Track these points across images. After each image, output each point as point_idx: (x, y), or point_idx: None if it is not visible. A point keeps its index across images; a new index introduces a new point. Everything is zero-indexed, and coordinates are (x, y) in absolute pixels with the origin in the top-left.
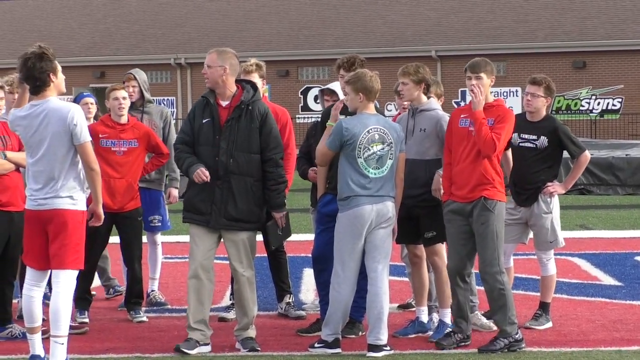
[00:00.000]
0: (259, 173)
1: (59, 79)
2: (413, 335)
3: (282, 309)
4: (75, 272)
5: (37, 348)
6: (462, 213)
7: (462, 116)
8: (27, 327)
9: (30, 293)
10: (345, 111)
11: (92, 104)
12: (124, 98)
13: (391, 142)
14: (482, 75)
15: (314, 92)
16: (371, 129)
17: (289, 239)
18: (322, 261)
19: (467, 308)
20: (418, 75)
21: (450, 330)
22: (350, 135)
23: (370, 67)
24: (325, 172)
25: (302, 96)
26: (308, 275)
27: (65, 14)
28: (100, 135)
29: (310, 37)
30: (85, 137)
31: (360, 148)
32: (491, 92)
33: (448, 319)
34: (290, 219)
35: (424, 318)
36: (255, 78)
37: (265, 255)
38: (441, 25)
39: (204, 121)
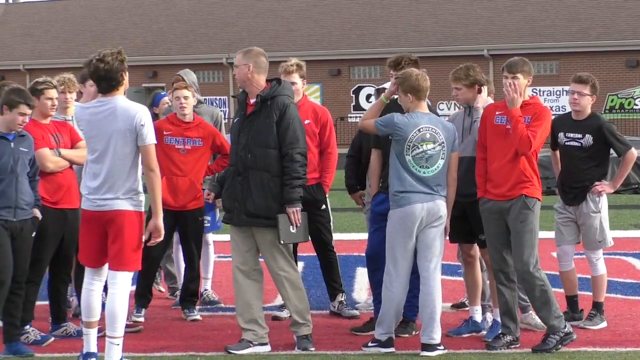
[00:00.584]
0: (276, 168)
1: (126, 81)
2: (467, 335)
3: (334, 307)
4: (132, 274)
5: (92, 345)
6: (500, 211)
7: (497, 113)
8: (84, 322)
9: (90, 287)
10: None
11: (168, 104)
12: (185, 97)
13: (443, 142)
14: (519, 75)
15: (366, 91)
16: (422, 128)
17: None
18: (376, 260)
19: (515, 308)
20: (469, 78)
21: (500, 332)
22: (400, 131)
23: (422, 66)
24: (378, 171)
25: (353, 95)
26: (361, 274)
27: (118, 14)
28: (164, 133)
29: (362, 36)
30: (151, 139)
31: (409, 146)
32: (541, 91)
33: (479, 316)
34: (330, 223)
35: (478, 317)
36: (296, 78)
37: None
38: (493, 23)
39: (236, 119)
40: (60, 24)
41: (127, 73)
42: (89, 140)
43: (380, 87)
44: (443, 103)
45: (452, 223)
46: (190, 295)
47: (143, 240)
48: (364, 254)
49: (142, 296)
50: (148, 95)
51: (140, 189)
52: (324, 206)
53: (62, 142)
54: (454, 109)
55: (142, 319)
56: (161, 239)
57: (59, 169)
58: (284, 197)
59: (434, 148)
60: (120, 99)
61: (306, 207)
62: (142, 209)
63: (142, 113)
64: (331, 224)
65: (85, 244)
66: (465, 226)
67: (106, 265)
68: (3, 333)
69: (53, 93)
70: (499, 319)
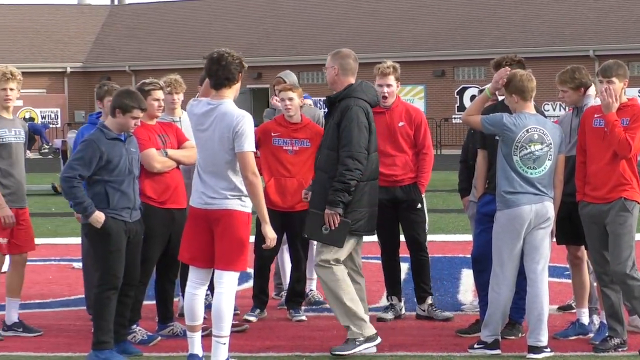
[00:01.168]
0: (333, 170)
1: (238, 85)
2: (573, 337)
3: (423, 310)
4: (237, 274)
5: (196, 347)
6: (599, 214)
7: (595, 116)
8: (187, 325)
9: (194, 291)
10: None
11: (310, 105)
12: (289, 99)
13: (550, 143)
14: (614, 79)
15: (470, 92)
16: (530, 129)
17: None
18: (482, 262)
19: (621, 311)
20: (575, 81)
21: (607, 335)
22: (508, 132)
23: (528, 67)
24: (484, 172)
25: (457, 96)
26: (467, 276)
27: (223, 16)
28: (272, 134)
29: (466, 36)
30: (247, 146)
31: (517, 146)
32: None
33: (587, 319)
34: (425, 223)
35: (585, 320)
36: (392, 80)
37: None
38: (599, 24)
39: None
40: (165, 26)
41: (241, 75)
42: (196, 139)
43: (483, 87)
44: (548, 104)
45: (558, 224)
46: (296, 295)
47: (253, 242)
48: (469, 256)
49: (256, 297)
50: (252, 97)
51: (244, 188)
52: (419, 205)
53: (168, 143)
54: (560, 110)
55: (253, 319)
56: (274, 244)
57: (166, 169)
58: (327, 198)
59: (541, 149)
60: (227, 104)
61: (401, 206)
62: (249, 210)
63: (240, 119)
64: (426, 224)
65: (190, 242)
66: (571, 227)
67: (210, 269)
68: (114, 332)
69: (159, 94)
70: (606, 322)
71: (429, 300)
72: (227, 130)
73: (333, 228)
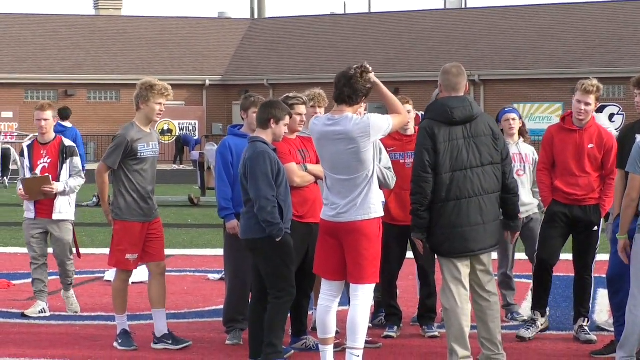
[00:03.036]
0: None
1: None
2: None
3: (575, 331)
4: (372, 286)
5: None
6: None
7: None
8: (320, 338)
9: (326, 303)
10: None
11: (513, 119)
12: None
13: None
14: None
15: (609, 110)
16: None
17: None
18: (617, 282)
19: None
20: None
21: None
22: None
23: None
24: (622, 191)
25: (595, 114)
26: (602, 297)
27: (361, 31)
28: (388, 149)
29: (605, 54)
30: None
31: None
32: None
33: None
34: (597, 245)
35: None
36: (592, 99)
37: None
38: None
39: None
40: (304, 39)
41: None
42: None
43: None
44: None
45: None
46: (427, 311)
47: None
48: (604, 275)
49: (389, 314)
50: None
51: (374, 200)
52: (596, 228)
53: (307, 157)
54: None
55: (394, 334)
56: None
57: (305, 183)
58: None
59: None
60: (348, 118)
61: (578, 226)
62: (377, 218)
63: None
64: (597, 247)
65: (323, 255)
66: None
67: (342, 282)
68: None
69: (303, 109)
70: None
71: (580, 322)
72: (345, 144)
73: (422, 253)
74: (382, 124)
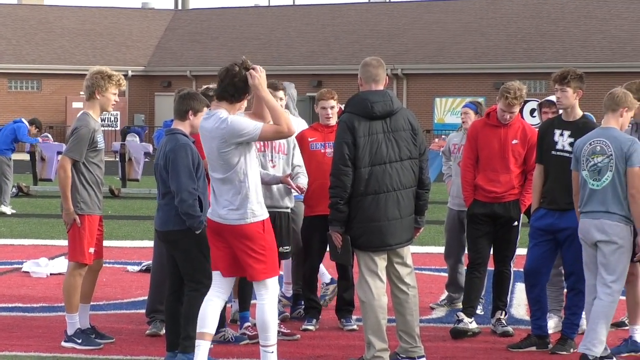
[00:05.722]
0: None
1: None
2: (625, 355)
3: (493, 324)
4: (275, 279)
5: (201, 357)
6: None
7: None
8: (197, 332)
9: (213, 297)
10: None
11: (465, 113)
12: (331, 107)
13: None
14: None
15: (530, 105)
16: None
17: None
18: (534, 276)
19: None
20: (639, 93)
21: None
22: None
23: (589, 82)
24: (540, 186)
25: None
26: (520, 291)
27: (285, 23)
28: (309, 139)
29: (528, 50)
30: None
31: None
32: None
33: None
34: (517, 240)
35: (638, 337)
36: (516, 108)
37: None
38: None
39: None
40: (228, 31)
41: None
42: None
43: (543, 100)
44: None
45: None
46: (345, 304)
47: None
48: (522, 269)
49: (309, 307)
50: (312, 104)
51: (252, 198)
52: (515, 223)
53: None
54: None
55: (312, 328)
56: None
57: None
58: None
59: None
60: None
61: (498, 222)
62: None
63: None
64: (517, 241)
65: (215, 253)
66: None
67: (233, 280)
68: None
69: None
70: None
71: (498, 315)
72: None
73: (339, 247)
74: (241, 130)
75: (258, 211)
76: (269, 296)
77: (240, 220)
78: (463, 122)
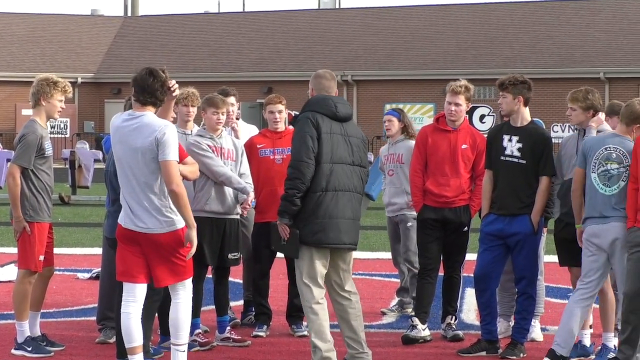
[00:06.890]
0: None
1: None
2: (575, 359)
3: (443, 329)
4: (189, 281)
5: None
6: None
7: None
8: (127, 348)
9: (129, 310)
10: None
11: (389, 121)
12: (279, 112)
13: None
14: None
15: (480, 111)
16: None
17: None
18: (484, 281)
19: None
20: (587, 101)
21: (614, 356)
22: None
23: (537, 88)
24: (490, 192)
25: (467, 115)
26: (470, 295)
27: (234, 29)
28: (257, 146)
29: (477, 56)
30: (171, 156)
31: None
32: None
33: (611, 343)
34: (467, 245)
35: (587, 342)
36: (461, 100)
37: None
38: (610, 47)
39: None
40: (178, 38)
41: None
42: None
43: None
44: (557, 125)
45: (562, 246)
46: (296, 310)
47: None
48: (472, 275)
49: (259, 313)
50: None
51: (170, 213)
52: (466, 228)
53: None
54: (568, 132)
55: (263, 334)
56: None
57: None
58: None
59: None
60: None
61: (449, 227)
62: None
63: (164, 129)
64: (467, 246)
65: (126, 262)
66: (579, 250)
67: (144, 286)
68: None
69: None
70: (608, 344)
71: (448, 320)
72: (148, 141)
73: (285, 239)
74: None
75: (177, 219)
76: (185, 295)
77: (161, 229)
78: (387, 130)
